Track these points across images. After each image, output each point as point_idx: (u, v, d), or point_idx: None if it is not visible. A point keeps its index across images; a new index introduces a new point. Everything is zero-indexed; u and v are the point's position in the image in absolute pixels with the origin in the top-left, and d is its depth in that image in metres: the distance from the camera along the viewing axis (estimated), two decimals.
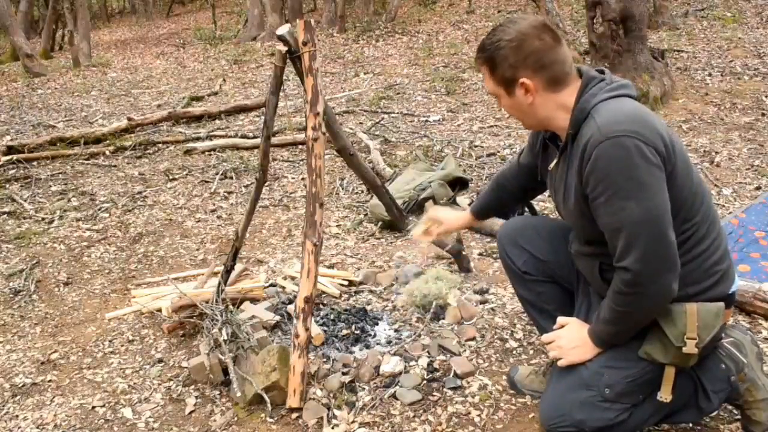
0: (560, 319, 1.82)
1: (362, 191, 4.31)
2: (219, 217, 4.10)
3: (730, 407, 1.90)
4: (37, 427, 2.15)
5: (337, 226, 3.78)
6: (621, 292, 1.58)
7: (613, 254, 1.57)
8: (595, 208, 1.57)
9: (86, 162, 5.51)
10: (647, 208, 1.48)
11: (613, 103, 1.56)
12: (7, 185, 4.95)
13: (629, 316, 1.61)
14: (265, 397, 2.05)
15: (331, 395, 2.12)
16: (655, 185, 1.49)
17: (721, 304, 1.60)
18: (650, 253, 1.50)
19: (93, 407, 2.23)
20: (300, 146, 5.51)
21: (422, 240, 2.25)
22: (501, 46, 1.60)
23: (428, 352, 2.32)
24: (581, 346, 1.72)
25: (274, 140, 5.31)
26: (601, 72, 1.66)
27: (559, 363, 1.74)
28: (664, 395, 1.64)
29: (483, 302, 2.71)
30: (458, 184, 3.79)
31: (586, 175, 1.54)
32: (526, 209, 2.21)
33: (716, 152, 4.61)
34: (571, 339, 1.74)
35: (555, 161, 1.73)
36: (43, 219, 4.20)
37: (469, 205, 2.61)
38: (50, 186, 4.89)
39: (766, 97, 5.94)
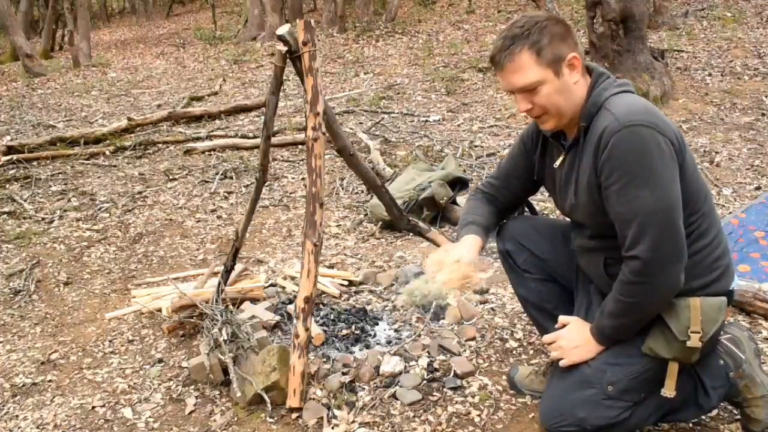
0: (561, 318, 1.82)
1: (362, 191, 4.31)
2: (219, 217, 4.10)
3: (730, 407, 1.90)
4: (37, 427, 2.15)
5: (337, 226, 3.78)
6: (629, 282, 1.58)
7: (623, 244, 1.57)
8: (607, 196, 1.57)
9: (86, 162, 5.51)
10: (661, 197, 1.50)
11: (625, 96, 1.60)
12: (7, 185, 4.95)
13: (635, 308, 1.61)
14: (265, 397, 2.05)
15: (331, 395, 2.12)
16: (669, 176, 1.51)
17: (724, 298, 1.62)
18: (661, 243, 1.51)
19: (93, 407, 2.23)
20: (300, 146, 5.51)
21: (452, 286, 1.81)
22: (545, 26, 1.57)
23: (428, 352, 2.32)
24: (583, 346, 1.72)
25: (274, 140, 5.30)
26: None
27: (561, 363, 1.74)
28: (668, 391, 1.64)
29: (483, 302, 2.71)
30: (458, 184, 3.79)
31: (601, 162, 1.55)
32: (526, 209, 2.21)
33: (716, 152, 4.61)
34: (573, 339, 1.74)
35: (561, 158, 1.74)
36: (43, 219, 4.20)
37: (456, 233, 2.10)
38: (50, 186, 4.89)
39: (766, 97, 5.94)
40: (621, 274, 1.61)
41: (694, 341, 1.57)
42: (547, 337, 1.82)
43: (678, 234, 1.53)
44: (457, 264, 1.78)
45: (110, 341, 2.67)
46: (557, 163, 1.76)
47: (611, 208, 1.58)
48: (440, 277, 1.79)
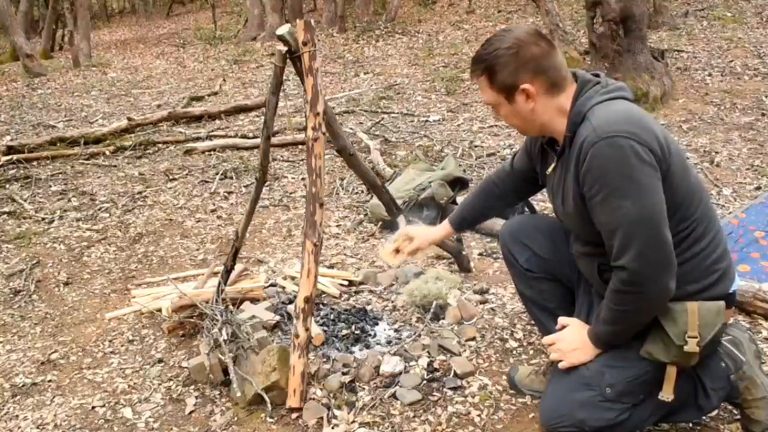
0: (561, 320, 1.82)
1: (362, 191, 4.31)
2: (219, 217, 4.10)
3: (730, 407, 1.90)
4: (37, 427, 2.15)
5: (337, 226, 3.78)
6: (618, 291, 1.59)
7: (610, 253, 1.58)
8: (591, 207, 1.58)
9: (86, 162, 5.51)
10: (642, 206, 1.50)
11: (608, 105, 1.59)
12: (7, 185, 4.94)
13: (627, 315, 1.62)
14: (265, 397, 2.05)
15: (331, 395, 2.12)
16: (650, 184, 1.50)
17: (722, 302, 1.61)
18: (646, 252, 1.51)
19: (93, 407, 2.23)
20: (300, 146, 5.51)
21: (391, 261, 2.17)
22: (500, 54, 1.61)
23: (428, 352, 2.32)
24: (581, 348, 1.72)
25: (274, 140, 5.31)
26: (596, 75, 1.69)
27: (560, 365, 1.75)
28: (666, 395, 1.64)
29: (483, 302, 2.72)
30: (458, 184, 3.79)
31: (582, 174, 1.56)
32: (526, 208, 2.21)
33: (716, 152, 4.61)
34: (572, 341, 1.74)
35: (553, 166, 1.75)
36: (43, 219, 4.20)
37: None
38: (50, 186, 4.89)
39: (766, 97, 5.94)
40: (611, 283, 1.61)
41: (692, 346, 1.57)
42: (546, 339, 1.82)
43: (663, 242, 1.52)
44: (391, 253, 2.15)
45: (110, 341, 2.67)
46: (549, 169, 1.77)
47: (596, 219, 1.59)
48: (386, 246, 2.20)
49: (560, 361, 1.75)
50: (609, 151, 1.50)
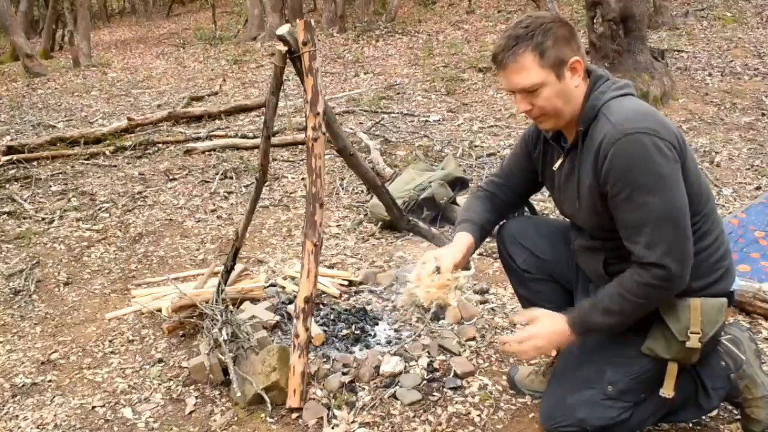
0: (525, 313, 1.79)
1: (362, 191, 4.31)
2: (219, 217, 4.10)
3: (730, 407, 1.90)
4: (37, 427, 2.15)
5: (337, 226, 3.78)
6: (647, 284, 1.53)
7: (634, 251, 1.55)
8: (614, 205, 1.56)
9: (86, 162, 5.51)
10: (668, 201, 1.50)
11: (622, 101, 1.58)
12: (7, 185, 4.94)
13: (641, 307, 1.59)
14: (265, 397, 2.05)
15: (331, 395, 2.12)
16: (674, 179, 1.50)
17: (724, 299, 1.61)
18: (675, 247, 1.51)
19: (93, 407, 2.23)
20: (300, 146, 5.51)
21: (432, 299, 1.80)
22: (549, 27, 1.56)
23: (428, 352, 2.32)
24: (556, 332, 1.68)
25: (274, 140, 5.30)
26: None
27: (525, 344, 1.69)
28: (667, 391, 1.64)
29: (483, 302, 2.71)
30: (458, 184, 3.79)
31: (604, 173, 1.54)
32: (526, 209, 2.21)
33: (716, 152, 4.61)
34: (547, 326, 1.71)
35: (560, 161, 1.73)
36: (43, 219, 4.20)
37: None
38: (50, 186, 4.89)
39: (766, 97, 5.94)
40: (636, 275, 1.55)
41: (694, 342, 1.57)
42: (518, 318, 1.80)
43: (688, 236, 1.52)
44: (433, 276, 1.75)
45: (110, 341, 2.67)
46: (556, 165, 1.76)
47: (620, 216, 1.56)
48: (419, 293, 1.77)
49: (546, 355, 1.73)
50: (632, 149, 1.49)
